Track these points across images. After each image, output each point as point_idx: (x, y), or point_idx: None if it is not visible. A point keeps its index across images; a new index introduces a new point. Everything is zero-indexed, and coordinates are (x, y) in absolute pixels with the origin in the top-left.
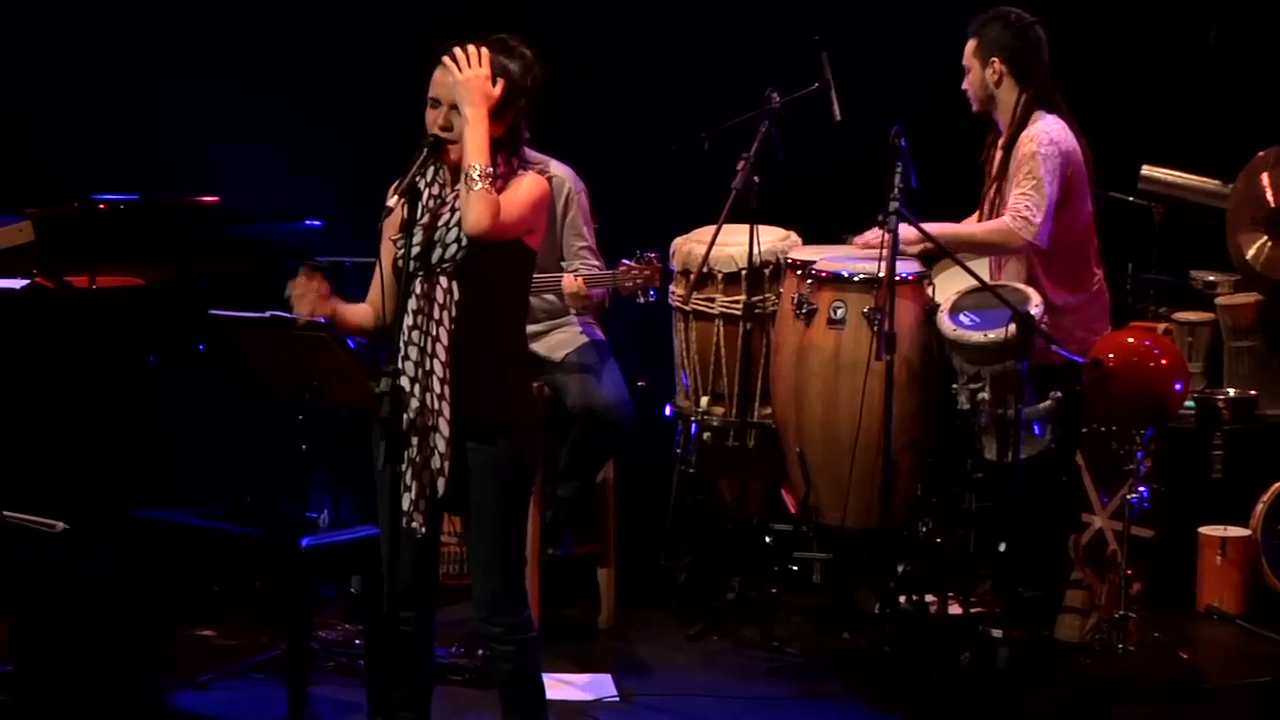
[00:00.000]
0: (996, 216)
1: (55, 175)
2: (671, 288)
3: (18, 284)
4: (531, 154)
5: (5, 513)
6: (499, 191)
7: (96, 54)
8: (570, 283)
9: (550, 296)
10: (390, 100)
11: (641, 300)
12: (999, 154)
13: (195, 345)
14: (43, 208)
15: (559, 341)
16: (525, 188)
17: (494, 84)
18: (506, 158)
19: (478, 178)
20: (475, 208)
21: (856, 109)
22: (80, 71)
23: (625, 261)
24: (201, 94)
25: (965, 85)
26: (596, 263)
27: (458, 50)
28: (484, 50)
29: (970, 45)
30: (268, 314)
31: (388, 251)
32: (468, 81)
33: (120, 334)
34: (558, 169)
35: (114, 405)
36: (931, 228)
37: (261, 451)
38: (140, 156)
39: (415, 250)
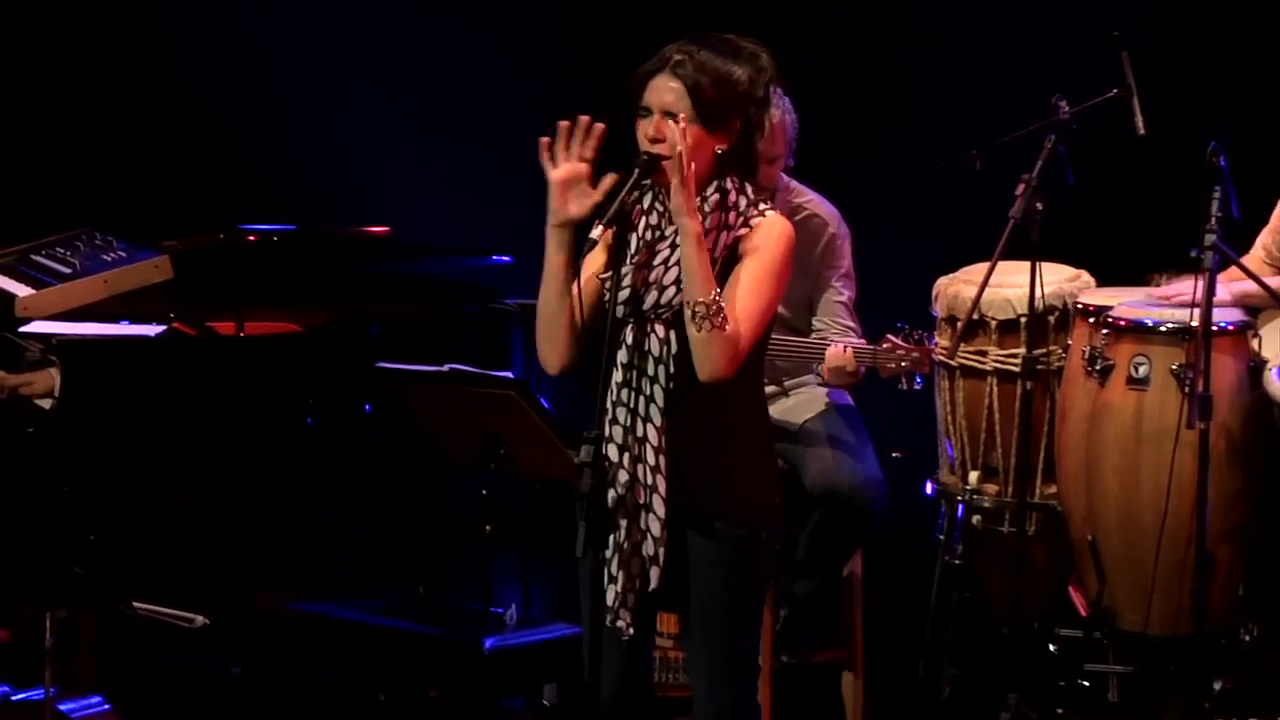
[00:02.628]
0: None
1: (203, 203)
2: (934, 338)
3: (152, 330)
4: (794, 185)
5: (137, 603)
6: (732, 240)
7: (254, 67)
8: (838, 355)
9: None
10: (593, 115)
11: (904, 387)
12: None
13: (360, 405)
14: (183, 240)
15: (798, 405)
16: (770, 249)
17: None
18: (739, 182)
19: (705, 318)
20: (708, 355)
21: (1165, 120)
22: (234, 86)
23: (890, 338)
24: (371, 111)
25: None
26: (853, 325)
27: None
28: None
29: None
30: (446, 368)
31: (591, 292)
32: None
33: (272, 391)
34: (821, 208)
35: (264, 476)
36: (1273, 281)
37: (438, 533)
38: (300, 181)
39: (625, 293)
